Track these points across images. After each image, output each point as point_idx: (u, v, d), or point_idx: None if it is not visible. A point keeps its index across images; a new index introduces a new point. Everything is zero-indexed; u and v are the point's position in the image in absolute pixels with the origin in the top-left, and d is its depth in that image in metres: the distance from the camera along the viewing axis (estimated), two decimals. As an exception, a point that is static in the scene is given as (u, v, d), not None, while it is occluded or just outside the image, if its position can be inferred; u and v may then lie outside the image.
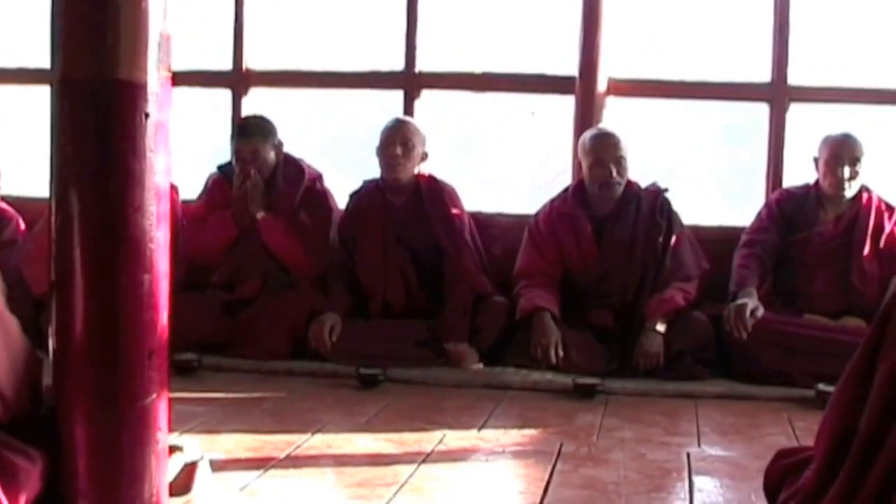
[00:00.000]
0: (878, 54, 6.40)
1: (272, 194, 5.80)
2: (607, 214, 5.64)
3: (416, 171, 5.73)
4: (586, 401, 4.81)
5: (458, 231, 5.69)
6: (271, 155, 5.78)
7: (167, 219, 2.58)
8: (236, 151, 5.78)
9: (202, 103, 6.97)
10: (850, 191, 5.55)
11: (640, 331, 5.36)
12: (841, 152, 5.50)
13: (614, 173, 5.51)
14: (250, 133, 5.75)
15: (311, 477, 3.44)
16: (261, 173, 5.75)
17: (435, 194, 5.74)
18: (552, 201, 5.80)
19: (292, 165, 5.89)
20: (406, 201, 5.75)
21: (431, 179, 5.80)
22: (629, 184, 5.62)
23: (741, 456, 3.84)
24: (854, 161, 5.50)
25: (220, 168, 5.96)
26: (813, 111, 6.32)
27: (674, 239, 5.58)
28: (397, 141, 5.63)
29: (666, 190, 5.67)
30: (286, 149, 5.87)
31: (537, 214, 5.79)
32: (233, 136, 5.83)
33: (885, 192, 5.74)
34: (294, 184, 5.84)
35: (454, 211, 5.74)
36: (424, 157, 5.74)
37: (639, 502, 3.24)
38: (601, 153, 5.53)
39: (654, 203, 5.62)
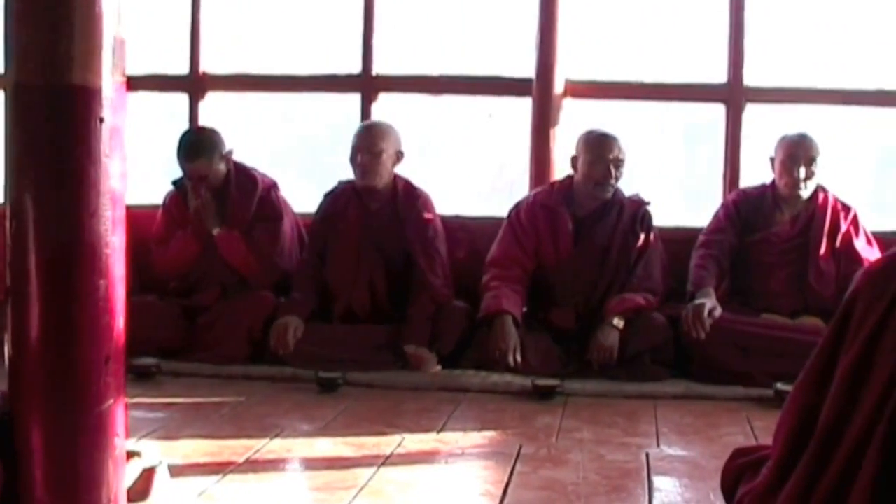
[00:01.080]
0: (832, 55, 6.43)
1: (226, 205, 5.79)
2: (588, 215, 5.67)
3: (391, 172, 5.73)
4: (545, 402, 4.82)
5: (430, 239, 5.70)
6: (220, 167, 5.75)
7: (123, 223, 2.57)
8: (186, 175, 5.76)
9: (160, 108, 6.93)
10: (805, 191, 5.59)
11: (597, 326, 5.39)
12: (797, 153, 5.55)
13: (613, 173, 5.54)
14: (195, 154, 5.70)
15: (270, 481, 3.43)
16: (212, 186, 5.73)
17: (410, 201, 5.74)
18: (536, 193, 5.83)
19: (245, 175, 5.85)
20: (382, 207, 5.75)
21: (408, 185, 5.79)
22: (615, 190, 5.65)
23: (700, 456, 3.86)
24: (810, 161, 5.54)
25: (174, 183, 5.91)
26: (769, 112, 6.35)
27: (648, 251, 5.62)
28: (364, 148, 5.63)
29: (648, 203, 5.71)
30: (240, 156, 5.84)
31: (519, 204, 5.80)
32: (178, 153, 5.76)
33: (841, 191, 5.79)
34: (248, 194, 5.82)
35: (428, 218, 5.74)
36: (399, 157, 5.73)
37: (598, 503, 3.24)
38: (604, 151, 5.56)
39: (636, 213, 5.66)
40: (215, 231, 5.71)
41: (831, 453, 1.92)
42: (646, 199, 5.72)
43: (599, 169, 5.55)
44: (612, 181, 5.57)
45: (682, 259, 5.69)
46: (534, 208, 5.72)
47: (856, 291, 2.01)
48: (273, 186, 5.91)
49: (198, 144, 5.73)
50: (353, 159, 5.67)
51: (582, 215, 5.68)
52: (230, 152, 5.79)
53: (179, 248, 5.81)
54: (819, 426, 1.97)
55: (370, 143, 5.63)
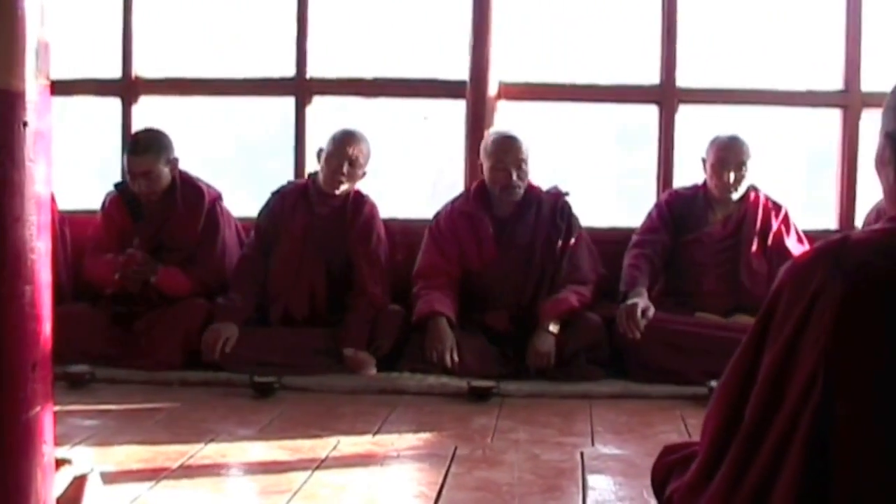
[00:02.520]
0: (764, 56, 6.49)
1: (172, 219, 5.71)
2: (508, 216, 5.68)
3: (355, 186, 5.73)
4: (481, 404, 4.83)
5: (373, 248, 5.70)
6: (165, 171, 5.65)
7: (48, 229, 2.54)
8: (128, 170, 5.65)
9: (93, 113, 6.87)
10: (736, 193, 5.65)
11: (533, 331, 5.40)
12: (726, 157, 5.60)
13: (514, 177, 5.55)
14: (142, 150, 5.60)
15: (204, 487, 3.40)
16: (154, 191, 5.66)
17: (358, 208, 5.74)
18: (454, 201, 5.84)
19: (190, 186, 5.78)
20: (330, 212, 5.74)
21: (358, 193, 5.79)
22: (530, 187, 5.67)
23: (634, 454, 3.89)
24: (739, 165, 5.59)
25: (117, 186, 5.80)
26: (702, 112, 6.40)
27: (572, 242, 5.64)
28: (347, 158, 5.61)
29: (567, 194, 5.73)
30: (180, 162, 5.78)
31: (438, 214, 5.82)
32: (124, 152, 5.72)
33: (773, 191, 5.84)
34: (195, 208, 5.75)
35: (373, 226, 5.74)
36: (363, 175, 5.74)
37: (532, 503, 3.26)
38: (502, 156, 5.56)
39: (555, 206, 5.68)
40: (153, 279, 5.60)
41: (756, 450, 1.93)
42: (563, 189, 5.74)
43: (501, 174, 5.57)
44: (517, 184, 5.58)
45: (616, 259, 5.72)
46: (453, 216, 5.74)
47: (779, 287, 2.02)
48: (218, 199, 5.86)
49: (147, 141, 5.65)
50: (327, 162, 5.64)
51: (501, 217, 5.70)
52: (176, 160, 5.71)
53: (107, 270, 5.63)
54: (744, 423, 1.98)
55: (355, 155, 5.63)
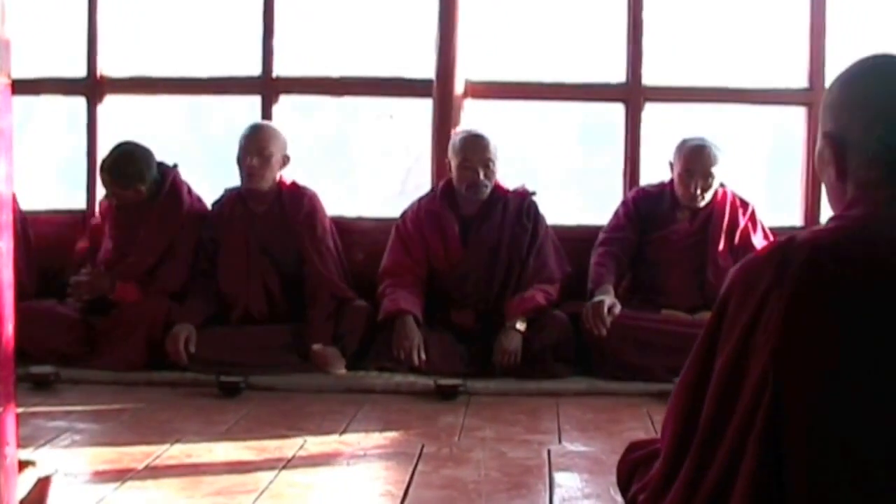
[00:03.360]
0: (730, 54, 6.52)
1: (149, 223, 5.70)
2: (474, 215, 5.68)
3: (276, 177, 5.69)
4: (448, 402, 4.84)
5: (319, 237, 5.68)
6: (145, 189, 5.65)
7: (10, 228, 2.52)
8: (112, 194, 5.69)
9: (58, 112, 6.84)
10: (703, 201, 5.65)
11: (499, 329, 5.40)
12: (693, 168, 5.59)
13: (481, 175, 5.55)
14: (125, 183, 5.61)
15: (170, 487, 3.39)
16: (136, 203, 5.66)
17: (297, 200, 5.71)
18: (420, 199, 5.84)
19: (174, 195, 5.77)
20: (268, 209, 5.72)
21: (293, 186, 5.76)
22: (497, 186, 5.67)
23: (600, 451, 3.90)
24: (707, 175, 5.59)
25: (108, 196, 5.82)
26: (668, 110, 6.42)
27: (539, 241, 5.65)
28: (253, 151, 5.59)
29: (533, 193, 5.74)
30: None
31: (405, 213, 5.81)
32: (107, 171, 5.65)
33: (739, 188, 5.87)
34: (174, 215, 5.75)
35: (316, 216, 5.72)
36: (285, 161, 5.70)
37: (499, 500, 3.26)
38: (469, 154, 5.56)
39: (521, 205, 5.69)
40: (111, 295, 5.58)
41: (713, 451, 1.94)
42: (530, 189, 5.75)
43: (468, 173, 5.57)
44: (484, 183, 5.59)
45: (582, 257, 5.73)
46: (419, 214, 5.73)
47: (729, 289, 2.03)
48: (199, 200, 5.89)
49: (130, 172, 5.63)
50: (240, 161, 5.63)
51: (467, 216, 5.70)
52: (160, 164, 5.72)
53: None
54: (701, 424, 2.00)
55: (260, 145, 5.60)
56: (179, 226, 5.72)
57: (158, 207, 5.70)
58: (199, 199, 5.88)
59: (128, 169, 5.63)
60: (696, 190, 5.61)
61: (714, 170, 5.61)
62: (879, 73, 2.05)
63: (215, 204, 5.85)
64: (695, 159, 5.62)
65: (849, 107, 2.04)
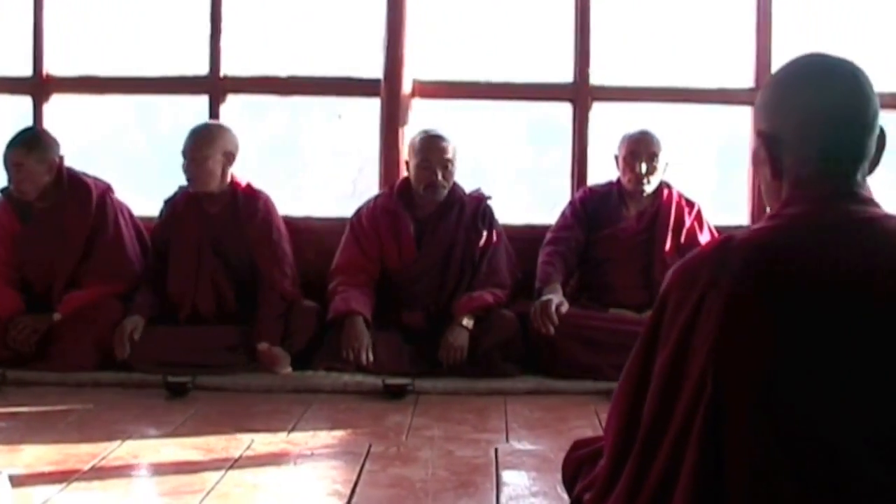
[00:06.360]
0: (676, 54, 6.56)
1: (62, 217, 5.62)
2: (430, 215, 5.70)
3: (222, 176, 5.65)
4: (396, 401, 4.84)
5: (275, 241, 5.68)
6: (38, 169, 5.54)
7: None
8: (5, 162, 5.59)
9: (3, 111, 6.77)
10: (649, 186, 5.70)
11: (447, 326, 5.42)
12: (637, 149, 5.66)
13: (439, 176, 5.58)
14: (16, 143, 5.55)
15: (116, 488, 3.37)
16: (26, 189, 5.56)
17: (251, 203, 5.70)
18: (376, 198, 5.85)
19: (78, 182, 5.67)
20: (221, 210, 5.70)
21: (248, 188, 5.74)
22: (454, 188, 5.69)
23: (548, 449, 3.91)
24: (651, 157, 5.65)
25: (3, 191, 5.73)
26: (615, 110, 6.44)
27: (492, 246, 5.67)
28: (188, 155, 5.57)
29: (489, 198, 5.76)
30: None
31: (360, 210, 5.81)
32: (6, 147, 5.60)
33: (686, 188, 5.90)
34: (84, 204, 5.64)
35: (272, 221, 5.71)
36: (229, 158, 5.65)
37: (446, 499, 3.27)
38: (429, 155, 5.58)
39: (477, 209, 5.72)
40: (56, 317, 5.50)
41: (656, 447, 1.96)
42: (486, 193, 5.78)
43: (426, 173, 5.59)
44: (442, 184, 5.61)
45: (531, 257, 5.75)
46: (374, 213, 5.73)
47: (667, 289, 2.06)
48: (107, 190, 5.77)
49: (24, 136, 5.60)
50: (182, 166, 5.61)
51: (423, 216, 5.71)
52: (56, 161, 5.60)
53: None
54: (643, 421, 2.01)
55: (193, 149, 5.57)
56: (95, 206, 5.66)
57: (69, 193, 5.64)
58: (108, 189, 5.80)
59: (24, 133, 5.64)
60: (641, 171, 5.65)
61: (658, 154, 5.68)
62: (811, 72, 2.07)
63: (168, 201, 5.83)
64: (639, 141, 5.70)
65: (782, 106, 2.07)
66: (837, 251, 1.93)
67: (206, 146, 5.56)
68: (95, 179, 5.76)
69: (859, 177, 2.04)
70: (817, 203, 2.00)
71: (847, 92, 2.03)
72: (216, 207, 5.69)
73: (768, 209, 2.14)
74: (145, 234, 5.88)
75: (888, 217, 1.99)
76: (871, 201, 2.02)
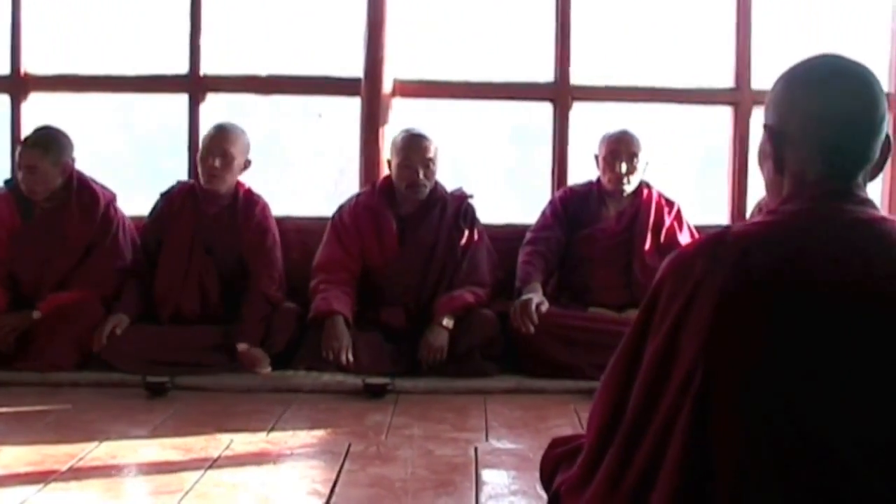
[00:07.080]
0: (657, 54, 6.57)
1: (64, 220, 5.58)
2: (412, 214, 5.71)
3: (235, 180, 5.67)
4: (376, 401, 4.83)
5: (268, 248, 5.68)
6: (52, 171, 5.52)
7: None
8: (17, 162, 5.56)
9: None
10: (629, 186, 5.71)
11: (427, 325, 5.42)
12: (618, 148, 5.67)
13: (421, 175, 5.58)
14: (31, 144, 5.51)
15: (94, 489, 3.35)
16: (37, 190, 5.53)
17: (249, 208, 5.70)
18: (358, 195, 5.84)
19: (86, 191, 5.64)
20: (219, 212, 5.70)
21: (248, 192, 5.75)
22: (436, 186, 5.70)
23: (528, 448, 3.91)
24: (631, 157, 5.67)
25: (7, 183, 5.71)
26: (596, 110, 6.45)
27: (473, 245, 5.67)
28: (216, 152, 5.56)
29: (471, 196, 5.77)
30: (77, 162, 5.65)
31: (342, 207, 5.81)
32: (22, 144, 5.58)
33: (666, 188, 5.92)
34: (90, 213, 5.62)
35: (268, 227, 5.72)
36: (247, 165, 5.70)
37: (426, 498, 3.26)
38: (410, 154, 5.58)
39: (459, 208, 5.72)
40: (36, 315, 5.45)
41: (638, 441, 1.96)
42: (468, 192, 5.79)
43: (408, 172, 5.59)
44: (424, 183, 5.61)
45: (512, 256, 5.76)
46: (357, 210, 5.73)
47: (660, 280, 2.05)
48: (113, 200, 5.75)
49: (39, 137, 5.55)
50: (201, 161, 5.60)
51: (405, 215, 5.71)
52: (69, 163, 5.59)
53: None
54: (627, 415, 2.01)
55: (224, 148, 5.57)
56: (100, 216, 5.64)
57: (76, 199, 5.61)
58: (114, 199, 5.78)
59: (38, 133, 5.59)
60: (620, 170, 5.66)
61: (639, 153, 5.69)
62: (821, 71, 2.08)
63: (164, 194, 5.81)
64: (619, 141, 5.72)
65: (789, 103, 2.08)
66: (833, 250, 1.93)
67: (235, 146, 5.59)
68: (103, 188, 5.74)
69: (860, 179, 2.05)
70: (816, 201, 2.01)
71: (855, 93, 2.04)
72: (215, 207, 5.68)
73: (771, 203, 2.14)
74: (138, 243, 5.84)
75: (885, 219, 2.00)
76: (868, 203, 2.03)
